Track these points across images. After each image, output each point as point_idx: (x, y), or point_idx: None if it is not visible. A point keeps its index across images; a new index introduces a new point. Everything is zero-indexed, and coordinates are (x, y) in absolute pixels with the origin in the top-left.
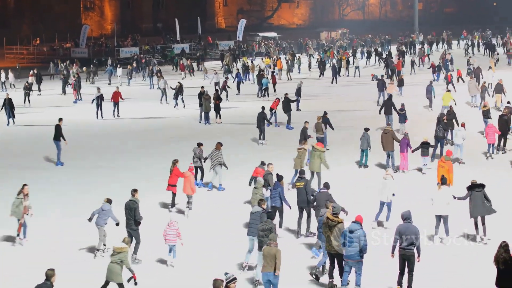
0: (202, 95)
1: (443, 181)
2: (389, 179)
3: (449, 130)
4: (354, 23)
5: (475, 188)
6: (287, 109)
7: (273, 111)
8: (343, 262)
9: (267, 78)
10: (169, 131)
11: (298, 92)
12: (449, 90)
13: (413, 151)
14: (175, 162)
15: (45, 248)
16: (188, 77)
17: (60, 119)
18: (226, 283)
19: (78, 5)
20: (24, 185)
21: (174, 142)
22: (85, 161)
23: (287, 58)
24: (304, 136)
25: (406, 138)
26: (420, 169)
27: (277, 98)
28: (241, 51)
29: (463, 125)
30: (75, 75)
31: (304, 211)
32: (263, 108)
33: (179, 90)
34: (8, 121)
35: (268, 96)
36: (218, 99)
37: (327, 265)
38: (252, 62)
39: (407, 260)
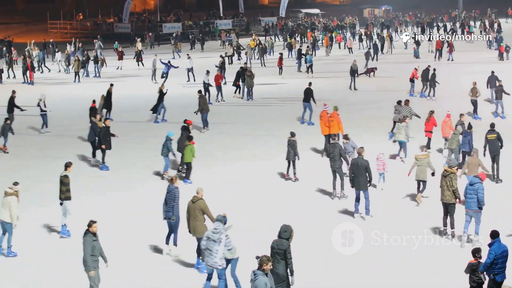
0: (244, 72)
1: None
2: None
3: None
4: None
5: None
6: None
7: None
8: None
9: (311, 55)
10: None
11: (353, 72)
12: None
13: None
14: (432, 112)
15: None
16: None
17: (310, 83)
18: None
19: None
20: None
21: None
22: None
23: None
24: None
25: None
26: None
27: (415, 68)
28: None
29: None
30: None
31: (495, 158)
32: (434, 69)
33: (221, 67)
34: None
35: (312, 72)
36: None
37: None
38: (294, 38)
39: None
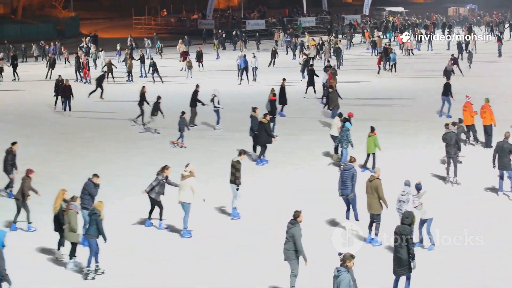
0: (328, 70)
1: None
2: None
3: None
4: None
5: None
6: None
7: None
8: None
9: (394, 53)
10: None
11: (448, 73)
12: None
13: None
14: None
15: None
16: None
17: (449, 84)
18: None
19: None
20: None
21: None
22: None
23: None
24: None
25: None
26: None
27: None
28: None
29: None
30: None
31: None
32: None
33: (305, 64)
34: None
35: (396, 71)
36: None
37: None
38: (379, 37)
39: None
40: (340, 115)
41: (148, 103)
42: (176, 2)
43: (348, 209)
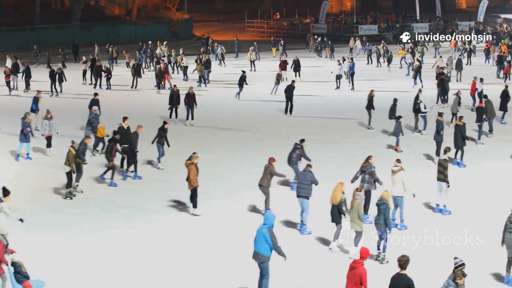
0: (441, 75)
1: None
2: None
3: None
4: None
5: None
6: None
7: None
8: None
9: (508, 61)
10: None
11: None
12: None
13: None
14: None
15: None
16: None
17: None
18: (455, 267)
19: None
20: None
21: None
22: None
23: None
24: None
25: None
26: None
27: None
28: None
29: None
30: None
31: None
32: None
33: (417, 71)
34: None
35: (510, 79)
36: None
37: None
38: (493, 44)
39: None
40: None
41: (374, 109)
42: (289, 6)
43: None
